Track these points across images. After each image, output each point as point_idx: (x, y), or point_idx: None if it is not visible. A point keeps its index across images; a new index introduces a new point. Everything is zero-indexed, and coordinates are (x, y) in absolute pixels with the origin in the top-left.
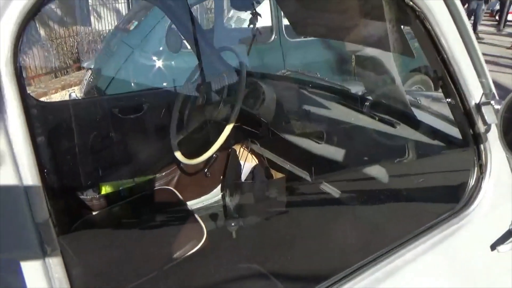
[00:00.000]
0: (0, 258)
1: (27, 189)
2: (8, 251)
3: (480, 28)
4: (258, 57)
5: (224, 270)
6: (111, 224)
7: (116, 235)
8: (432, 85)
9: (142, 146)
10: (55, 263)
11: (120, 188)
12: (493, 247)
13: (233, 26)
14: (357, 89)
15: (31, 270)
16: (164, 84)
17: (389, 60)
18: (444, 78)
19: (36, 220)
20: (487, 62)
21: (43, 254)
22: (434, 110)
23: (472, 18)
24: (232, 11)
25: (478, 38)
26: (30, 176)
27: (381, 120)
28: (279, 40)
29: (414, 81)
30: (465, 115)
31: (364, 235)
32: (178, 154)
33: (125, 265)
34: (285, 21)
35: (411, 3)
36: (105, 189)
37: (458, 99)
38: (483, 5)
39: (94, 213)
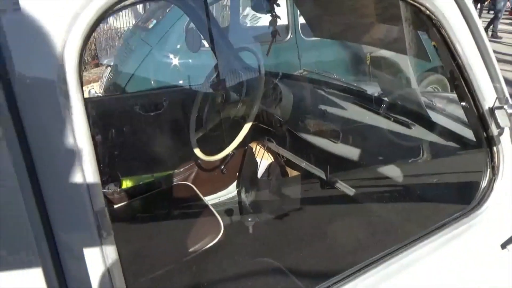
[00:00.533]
0: (65, 241)
1: (88, 181)
2: (72, 234)
3: (499, 27)
4: (274, 56)
5: (241, 263)
6: (132, 217)
7: (137, 228)
8: (448, 85)
9: (162, 143)
10: (110, 246)
11: (140, 183)
12: (504, 246)
13: (248, 24)
14: (373, 90)
15: (90, 251)
16: (184, 82)
17: (405, 62)
18: (459, 82)
19: (95, 208)
20: (505, 61)
21: (99, 237)
22: (448, 112)
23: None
24: (248, 9)
25: (496, 37)
26: (90, 170)
27: (397, 121)
28: (295, 39)
29: (430, 81)
30: (479, 118)
31: (378, 232)
32: (197, 151)
33: (146, 257)
34: (301, 20)
35: (427, 12)
36: (126, 184)
37: (472, 102)
38: (507, 3)
39: (115, 206)
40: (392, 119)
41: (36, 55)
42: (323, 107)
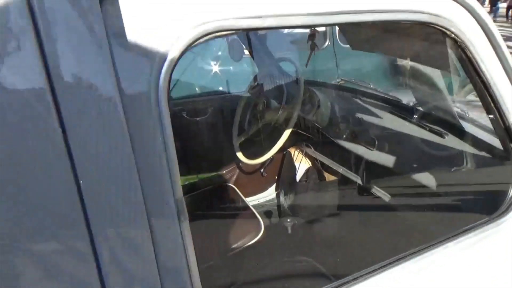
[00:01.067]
0: (154, 223)
1: (171, 175)
2: (159, 217)
3: None
4: (312, 63)
5: (280, 261)
6: None
7: None
8: None
9: (206, 146)
10: (186, 229)
11: (185, 183)
12: None
13: (285, 30)
14: (408, 99)
15: (171, 231)
16: (227, 89)
17: (436, 73)
18: (485, 98)
19: (175, 197)
20: None
21: (178, 221)
22: (479, 123)
23: None
24: None
25: None
26: (173, 166)
27: (430, 130)
28: (333, 46)
29: (470, 87)
30: (505, 130)
31: (408, 234)
32: (239, 154)
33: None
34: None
35: (452, 35)
36: None
37: (498, 116)
38: None
39: None
40: (426, 128)
41: (139, 72)
42: (359, 115)
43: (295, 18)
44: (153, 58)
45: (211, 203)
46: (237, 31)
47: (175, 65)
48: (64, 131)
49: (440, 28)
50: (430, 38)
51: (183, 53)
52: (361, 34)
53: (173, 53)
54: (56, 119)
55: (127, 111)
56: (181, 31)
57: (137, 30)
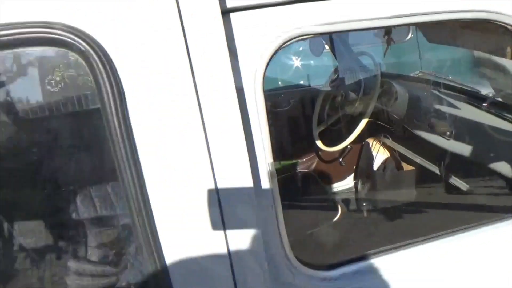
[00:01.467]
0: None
1: (265, 148)
2: (257, 177)
3: None
4: (395, 56)
5: (356, 240)
6: None
7: None
8: None
9: (288, 135)
10: (274, 185)
11: None
12: None
13: None
14: (487, 91)
15: (265, 185)
16: (307, 82)
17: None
18: None
19: (267, 161)
20: None
21: (269, 179)
22: None
23: None
24: None
25: None
26: (267, 142)
27: (508, 120)
28: (416, 39)
29: None
30: None
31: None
32: (319, 143)
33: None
34: None
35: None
36: None
37: None
38: None
39: None
40: (505, 118)
41: (245, 71)
42: (436, 106)
43: (366, 22)
44: (253, 58)
45: (291, 188)
46: (315, 35)
47: (268, 63)
48: (203, 122)
49: (500, 23)
50: (498, 31)
51: (274, 54)
52: (435, 28)
53: (267, 54)
54: (198, 112)
55: (239, 102)
56: (273, 37)
57: (242, 38)
